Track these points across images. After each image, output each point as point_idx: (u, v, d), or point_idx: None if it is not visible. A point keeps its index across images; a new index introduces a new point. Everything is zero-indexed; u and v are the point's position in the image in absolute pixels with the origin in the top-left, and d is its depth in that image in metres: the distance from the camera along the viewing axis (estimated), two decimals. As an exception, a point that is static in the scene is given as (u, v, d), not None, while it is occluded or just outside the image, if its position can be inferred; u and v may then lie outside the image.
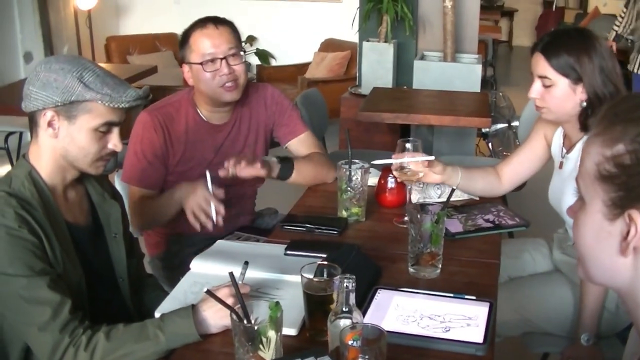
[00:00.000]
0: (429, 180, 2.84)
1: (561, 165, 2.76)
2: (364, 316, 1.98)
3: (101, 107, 2.04)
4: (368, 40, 6.38)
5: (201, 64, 2.95)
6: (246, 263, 2.09)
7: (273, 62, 9.48)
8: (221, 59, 2.95)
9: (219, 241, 2.66)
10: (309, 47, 9.10)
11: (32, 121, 2.10)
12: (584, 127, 2.59)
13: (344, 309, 1.78)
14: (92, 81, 2.02)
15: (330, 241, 2.61)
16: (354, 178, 2.74)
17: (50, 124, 2.05)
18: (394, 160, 2.73)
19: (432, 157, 2.75)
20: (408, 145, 2.69)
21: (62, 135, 2.07)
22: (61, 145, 2.08)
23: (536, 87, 2.63)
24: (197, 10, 8.55)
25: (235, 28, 3.07)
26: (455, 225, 2.74)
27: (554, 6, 14.00)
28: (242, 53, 3.03)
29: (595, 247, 1.20)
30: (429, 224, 2.29)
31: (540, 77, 2.61)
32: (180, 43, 3.07)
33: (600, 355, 2.61)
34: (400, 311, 2.07)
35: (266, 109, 3.23)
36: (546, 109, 2.65)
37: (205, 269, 2.36)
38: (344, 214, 2.80)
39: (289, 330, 1.96)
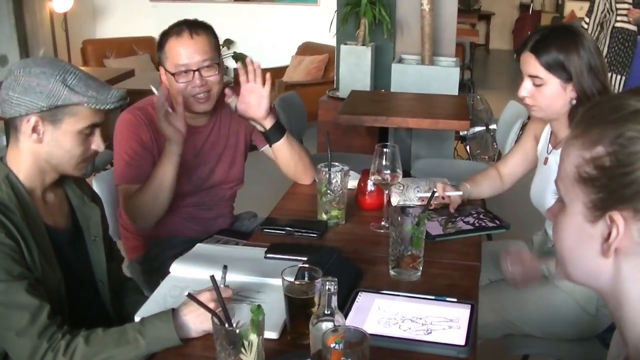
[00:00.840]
0: (455, 205, 2.94)
1: (546, 161, 2.77)
2: (345, 319, 1.98)
3: (86, 109, 2.03)
4: (346, 44, 6.38)
5: (174, 74, 2.94)
6: (225, 267, 2.08)
7: (251, 67, 9.45)
8: (194, 70, 2.93)
9: (198, 244, 2.65)
10: (287, 51, 9.10)
11: (11, 126, 2.07)
12: (573, 118, 2.60)
13: (325, 312, 1.76)
14: (76, 84, 2.01)
15: (310, 244, 2.60)
16: (333, 181, 2.73)
17: (34, 130, 2.03)
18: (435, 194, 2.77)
19: (460, 192, 2.91)
20: (386, 150, 2.69)
21: (47, 139, 2.05)
22: (45, 149, 2.06)
23: (526, 86, 2.65)
24: (175, 14, 8.53)
25: (213, 34, 3.04)
26: (435, 227, 2.74)
27: (531, 10, 14.06)
28: (217, 64, 3.00)
29: (576, 249, 1.20)
30: (409, 226, 2.28)
31: (531, 76, 2.62)
32: (157, 45, 3.05)
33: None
34: (381, 314, 2.06)
35: (223, 111, 3.20)
36: (537, 107, 2.66)
37: (185, 273, 2.35)
38: (324, 216, 2.79)
39: (270, 334, 1.95)
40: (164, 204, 2.90)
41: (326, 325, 1.73)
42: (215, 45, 3.03)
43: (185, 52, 2.92)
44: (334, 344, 1.62)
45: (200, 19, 3.02)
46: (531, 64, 2.61)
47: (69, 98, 1.99)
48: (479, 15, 14.46)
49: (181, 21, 2.99)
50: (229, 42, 9.04)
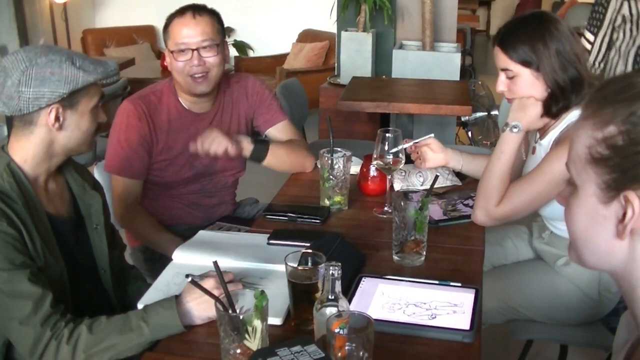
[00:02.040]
0: (433, 163, 2.90)
1: (534, 150, 2.75)
2: (349, 305, 1.97)
3: (94, 86, 2.06)
4: (347, 30, 6.34)
5: (172, 52, 2.95)
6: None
7: (251, 54, 9.45)
8: (193, 49, 2.93)
9: (200, 232, 2.64)
10: (287, 38, 9.07)
11: (21, 120, 2.05)
12: (547, 113, 2.58)
13: (329, 297, 1.76)
14: (83, 64, 2.03)
15: (313, 230, 2.59)
16: (335, 167, 2.72)
17: (57, 119, 2.03)
18: (406, 145, 2.79)
19: (432, 135, 2.88)
20: (388, 135, 2.68)
21: (68, 125, 2.06)
22: (64, 134, 2.08)
23: (501, 80, 2.63)
24: (175, 2, 8.55)
25: (217, 19, 3.04)
26: (436, 210, 2.73)
27: (531, -5, 14.00)
28: (217, 45, 2.98)
29: (589, 232, 1.18)
30: (412, 211, 2.28)
31: (503, 70, 2.60)
32: (163, 28, 3.04)
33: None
34: (385, 299, 2.05)
35: (247, 99, 3.21)
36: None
37: (188, 260, 2.34)
38: (327, 202, 2.78)
39: (274, 320, 1.94)
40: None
41: (330, 311, 1.73)
42: (218, 28, 3.03)
43: (186, 31, 2.93)
44: (339, 329, 1.61)
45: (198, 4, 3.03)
46: (500, 58, 2.59)
47: (86, 79, 2.01)
48: (480, 1, 14.43)
49: (186, 5, 3.00)
50: (229, 30, 9.00)
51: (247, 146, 2.93)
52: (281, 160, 3.08)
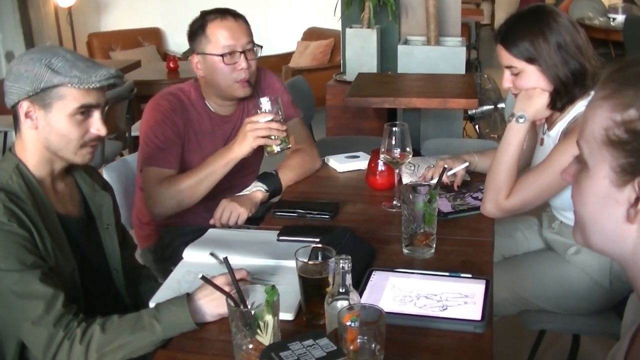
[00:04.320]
0: (459, 177, 2.94)
1: (542, 142, 2.75)
2: (360, 298, 1.98)
3: (74, 90, 2.00)
4: (351, 27, 6.34)
5: (222, 56, 2.93)
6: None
7: (258, 53, 9.43)
8: (240, 52, 2.94)
9: (210, 230, 2.65)
10: (292, 37, 9.06)
11: (15, 116, 2.07)
12: (552, 107, 2.58)
13: (340, 291, 1.76)
14: (60, 66, 1.99)
15: (322, 226, 2.60)
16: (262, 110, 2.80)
17: (27, 115, 2.03)
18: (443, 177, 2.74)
19: (467, 164, 2.89)
20: (395, 129, 2.68)
21: (41, 125, 2.04)
22: (42, 135, 2.05)
23: (506, 77, 2.63)
24: (180, 4, 8.56)
25: (248, 22, 3.06)
26: (444, 204, 2.73)
27: (535, -12, 13.93)
28: (255, 48, 3.03)
29: (598, 213, 1.18)
30: (421, 204, 2.28)
31: (507, 67, 2.60)
32: (191, 33, 3.03)
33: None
34: (396, 292, 2.06)
35: (262, 93, 3.19)
36: None
37: (198, 258, 2.35)
38: (275, 148, 2.82)
39: (286, 315, 1.95)
40: (202, 194, 2.90)
41: (341, 304, 1.73)
42: (251, 32, 3.06)
43: (231, 34, 2.94)
44: (350, 322, 1.61)
45: (204, 7, 3.03)
46: (504, 55, 2.59)
47: (51, 80, 1.98)
48: (485, -6, 14.41)
49: (218, 8, 3.00)
50: (234, 30, 9.03)
51: (261, 195, 2.92)
52: (293, 178, 3.08)
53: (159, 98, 3.04)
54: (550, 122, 2.70)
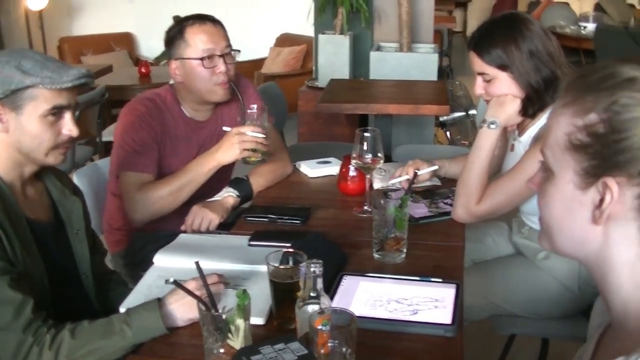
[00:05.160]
0: (424, 178, 2.96)
1: (513, 148, 2.78)
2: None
3: (45, 91, 2.00)
4: (324, 33, 6.35)
5: (201, 59, 2.94)
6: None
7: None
8: (219, 55, 2.95)
9: (181, 235, 2.65)
10: (265, 43, 9.06)
11: None
12: (524, 114, 2.61)
13: (311, 295, 1.77)
14: (31, 67, 1.98)
15: (293, 231, 2.60)
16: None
17: None
18: (404, 178, 2.86)
19: (436, 167, 2.93)
20: (366, 134, 2.70)
21: (12, 127, 2.02)
22: (13, 138, 2.04)
23: (479, 84, 2.66)
24: (152, 9, 8.54)
25: (225, 28, 3.08)
26: (421, 210, 2.74)
27: (508, -5, 14.00)
28: (233, 52, 3.04)
29: (564, 218, 1.20)
30: (392, 208, 2.29)
31: (479, 73, 2.63)
32: (169, 39, 3.03)
33: None
34: (367, 296, 2.06)
35: (236, 99, 3.22)
36: None
37: (169, 263, 2.35)
38: (254, 159, 2.85)
39: (257, 320, 1.95)
40: (183, 200, 2.90)
41: (312, 308, 1.73)
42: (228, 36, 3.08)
43: (210, 38, 2.96)
44: (321, 326, 1.61)
45: (176, 12, 3.05)
46: (476, 62, 2.61)
47: (22, 81, 1.96)
48: (456, 2, 14.46)
49: (196, 14, 3.02)
50: (206, 36, 9.02)
51: (232, 200, 2.91)
52: (264, 184, 3.08)
53: (135, 102, 3.04)
54: (521, 128, 2.72)
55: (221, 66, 2.95)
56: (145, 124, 2.97)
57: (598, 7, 12.30)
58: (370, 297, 2.06)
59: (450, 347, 1.88)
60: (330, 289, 2.09)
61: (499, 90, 2.60)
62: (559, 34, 10.63)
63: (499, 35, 2.57)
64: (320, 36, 6.33)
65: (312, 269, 1.75)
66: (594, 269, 1.21)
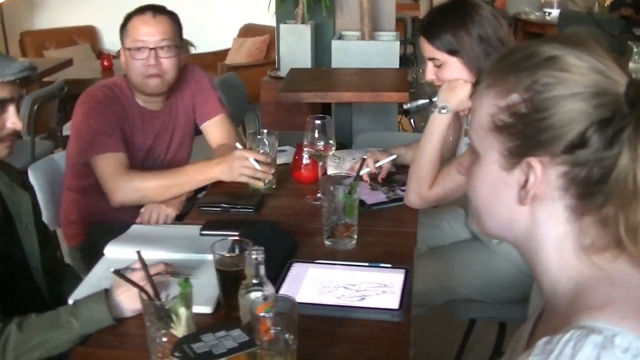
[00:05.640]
0: (384, 170, 2.95)
1: (466, 132, 2.78)
2: (278, 290, 1.98)
3: None
4: (285, 23, 6.34)
5: (131, 49, 2.95)
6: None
7: (192, 50, 9.36)
8: (150, 49, 2.94)
9: (133, 226, 2.65)
10: (228, 34, 9.03)
11: None
12: None
13: (254, 282, 1.76)
14: None
15: (246, 220, 2.60)
16: (262, 147, 2.79)
17: None
18: (365, 171, 2.83)
19: (394, 156, 2.91)
20: (317, 122, 2.70)
21: None
22: None
23: (429, 69, 2.66)
24: (114, 2, 8.45)
25: (176, 21, 3.06)
26: (379, 197, 2.75)
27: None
28: (175, 47, 3.00)
29: (491, 199, 1.20)
30: (341, 195, 2.29)
31: (430, 59, 2.63)
32: (120, 27, 3.03)
33: None
34: (315, 283, 2.07)
35: (189, 89, 3.23)
36: None
37: (119, 254, 2.33)
38: (260, 185, 2.81)
39: (205, 309, 1.96)
40: (167, 198, 2.88)
41: (255, 295, 1.73)
42: (176, 30, 3.05)
43: (145, 30, 2.95)
44: (264, 313, 1.61)
45: (139, 5, 3.03)
46: (426, 48, 2.62)
47: None
48: (422, -10, 14.47)
49: (148, 4, 3.02)
50: (169, 28, 8.96)
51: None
52: None
53: (93, 89, 3.04)
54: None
55: (150, 59, 2.94)
56: (107, 107, 2.97)
57: (563, -7, 12.38)
58: (319, 283, 2.06)
59: (396, 331, 1.88)
60: (279, 276, 2.09)
61: (449, 75, 2.60)
62: (523, 21, 10.71)
63: (449, 20, 2.57)
64: (282, 26, 6.31)
65: (253, 256, 1.74)
66: (524, 250, 1.21)
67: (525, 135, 1.12)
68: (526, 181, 1.13)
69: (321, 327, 1.89)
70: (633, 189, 1.06)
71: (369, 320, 1.92)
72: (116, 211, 3.01)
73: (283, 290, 2.01)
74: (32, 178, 3.04)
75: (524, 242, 1.20)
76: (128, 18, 3.00)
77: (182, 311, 1.68)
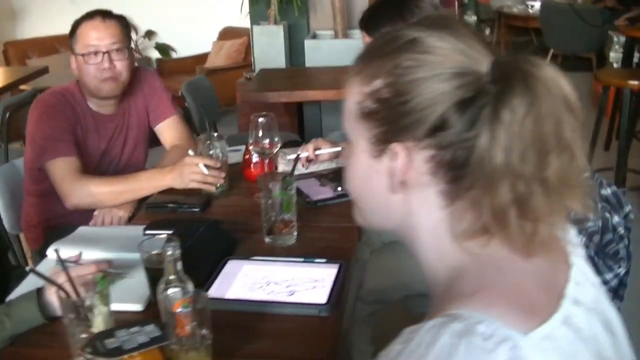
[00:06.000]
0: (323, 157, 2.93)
1: None
2: (209, 287, 2.00)
3: None
4: (258, 24, 6.36)
5: (84, 55, 2.97)
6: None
7: (173, 55, 9.39)
8: (104, 52, 2.96)
9: (80, 227, 2.67)
10: (208, 37, 9.03)
11: None
12: None
13: (170, 278, 1.77)
14: None
15: (191, 219, 2.61)
16: (211, 151, 2.78)
17: None
18: (304, 153, 2.84)
19: (339, 149, 2.87)
20: (261, 120, 2.71)
21: None
22: None
23: None
24: (95, 8, 8.46)
25: (125, 23, 3.09)
26: (326, 193, 2.76)
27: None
28: (126, 48, 3.04)
29: (365, 189, 1.19)
30: (278, 191, 2.30)
31: None
32: (69, 34, 3.06)
33: None
34: (247, 279, 2.08)
35: (142, 92, 3.26)
36: None
37: (62, 255, 2.33)
38: (213, 189, 2.81)
39: (136, 306, 1.98)
40: (119, 203, 2.89)
41: (172, 291, 1.74)
42: (126, 33, 3.09)
43: (96, 34, 2.97)
44: (181, 309, 1.63)
45: (120, 11, 3.07)
46: (366, 41, 2.60)
47: None
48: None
49: (93, 10, 3.05)
50: (150, 34, 8.96)
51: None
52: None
53: (45, 96, 3.07)
54: None
55: (104, 63, 2.97)
56: (59, 112, 2.99)
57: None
58: (251, 280, 2.07)
59: (323, 326, 1.89)
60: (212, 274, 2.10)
61: None
62: (507, 14, 10.70)
63: (387, 13, 2.57)
64: (255, 27, 6.36)
65: (169, 252, 1.75)
66: (404, 239, 1.20)
67: (389, 121, 1.10)
68: (394, 168, 1.11)
69: (245, 322, 1.89)
70: (491, 170, 1.03)
71: (295, 316, 1.92)
72: (75, 215, 3.03)
73: (214, 287, 2.02)
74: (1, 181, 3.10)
75: (403, 230, 1.18)
76: (77, 24, 3.02)
77: (100, 308, 1.69)
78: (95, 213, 2.87)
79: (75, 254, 2.28)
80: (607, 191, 2.59)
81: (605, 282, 2.52)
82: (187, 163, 2.75)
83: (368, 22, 2.61)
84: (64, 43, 9.33)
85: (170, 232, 2.25)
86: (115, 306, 1.82)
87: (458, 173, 1.07)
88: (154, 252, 1.93)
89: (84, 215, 3.02)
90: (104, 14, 3.02)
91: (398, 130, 1.09)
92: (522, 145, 1.03)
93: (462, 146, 1.06)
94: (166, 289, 1.76)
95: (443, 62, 1.07)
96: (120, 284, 2.11)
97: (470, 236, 1.10)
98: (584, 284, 1.16)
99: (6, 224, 3.20)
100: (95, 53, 2.96)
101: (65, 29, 8.63)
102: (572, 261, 1.17)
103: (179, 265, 1.77)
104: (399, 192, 1.13)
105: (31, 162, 3.06)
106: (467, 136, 1.05)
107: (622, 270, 2.52)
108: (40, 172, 3.01)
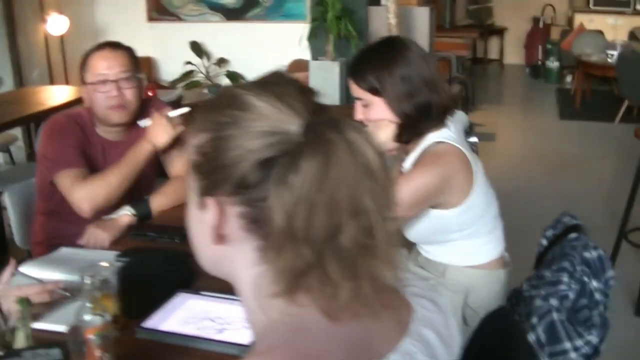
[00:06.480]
0: None
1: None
2: (149, 317, 2.07)
3: None
4: (317, 59, 6.44)
5: (94, 84, 3.09)
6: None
7: (243, 83, 9.50)
8: (112, 81, 3.08)
9: (62, 248, 2.78)
10: (278, 68, 9.12)
11: None
12: (399, 140, 2.63)
13: (87, 305, 1.83)
14: None
15: (168, 249, 2.64)
16: None
17: None
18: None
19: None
20: None
21: None
22: None
23: (357, 109, 2.67)
24: (171, 34, 8.72)
25: (133, 54, 3.23)
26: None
27: (541, 23, 13.93)
28: (135, 78, 3.15)
29: (197, 238, 1.22)
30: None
31: (357, 98, 2.66)
32: (80, 65, 3.19)
33: None
34: (187, 313, 2.12)
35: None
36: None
37: (32, 273, 2.43)
38: None
39: (61, 327, 1.97)
40: (126, 188, 3.06)
41: (88, 318, 1.80)
42: (134, 62, 3.21)
43: (105, 63, 3.10)
44: (93, 336, 1.70)
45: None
46: (353, 87, 2.64)
47: None
48: (492, 30, 14.41)
49: (103, 42, 3.22)
50: (222, 61, 9.11)
51: (128, 219, 3.00)
52: (167, 203, 3.12)
53: (56, 117, 3.23)
54: (407, 153, 2.74)
55: (113, 91, 3.08)
56: (70, 131, 3.14)
57: (631, 36, 12.19)
58: (189, 314, 2.11)
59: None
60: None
61: (375, 115, 2.60)
62: (585, 62, 10.55)
63: (373, 61, 2.60)
64: (312, 62, 6.46)
65: (85, 281, 1.83)
66: (236, 289, 1.23)
67: (207, 175, 1.14)
68: (208, 221, 1.15)
69: (163, 355, 1.95)
70: (277, 233, 1.06)
71: (218, 353, 1.95)
72: (77, 236, 3.14)
73: (154, 318, 2.08)
74: (7, 199, 3.24)
75: (232, 281, 1.21)
76: (87, 55, 3.15)
77: (19, 329, 1.78)
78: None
79: (43, 273, 2.40)
80: (591, 254, 2.56)
81: (575, 349, 2.49)
82: (160, 117, 3.05)
83: (355, 69, 2.64)
84: (142, 64, 9.67)
85: (126, 259, 2.32)
86: (45, 326, 1.91)
87: (265, 231, 1.09)
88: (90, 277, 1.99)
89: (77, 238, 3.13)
90: (113, 45, 3.17)
91: (213, 185, 1.14)
92: (308, 209, 1.04)
93: (258, 205, 1.09)
94: (81, 315, 1.83)
95: (255, 120, 1.11)
96: (66, 305, 2.17)
97: (278, 295, 1.10)
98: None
99: (18, 239, 3.36)
100: (105, 82, 3.07)
101: (142, 52, 8.82)
102: (411, 328, 1.20)
103: (98, 293, 1.84)
104: (221, 244, 1.16)
105: (42, 179, 3.18)
106: (259, 196, 1.08)
107: (593, 338, 2.48)
108: (52, 186, 3.12)
